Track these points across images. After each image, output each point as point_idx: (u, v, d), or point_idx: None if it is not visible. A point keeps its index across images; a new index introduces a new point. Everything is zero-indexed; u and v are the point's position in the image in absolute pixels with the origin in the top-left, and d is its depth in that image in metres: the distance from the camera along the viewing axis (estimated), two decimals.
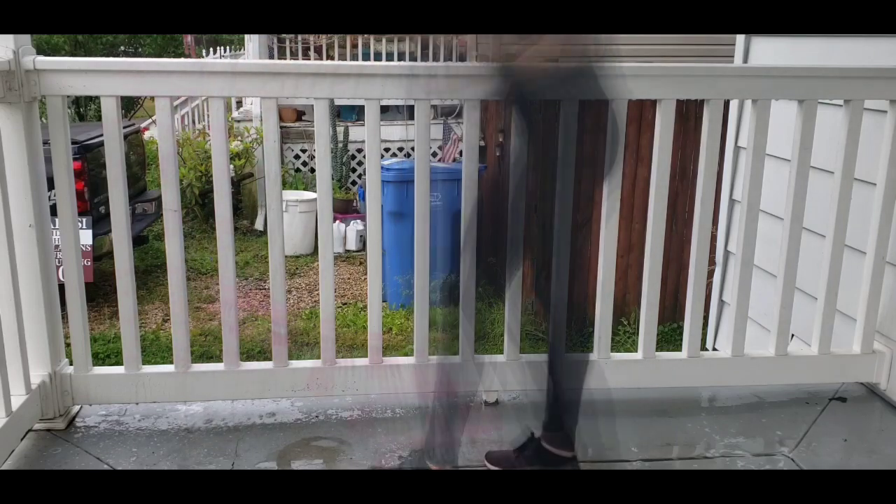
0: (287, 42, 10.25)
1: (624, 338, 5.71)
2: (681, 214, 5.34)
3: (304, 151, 9.45)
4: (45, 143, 2.13)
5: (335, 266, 2.36)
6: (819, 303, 2.48)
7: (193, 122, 10.80)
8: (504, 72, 2.04)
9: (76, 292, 2.20)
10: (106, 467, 2.10)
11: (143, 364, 2.31)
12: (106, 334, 5.70)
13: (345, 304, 6.71)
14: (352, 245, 8.19)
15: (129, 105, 13.50)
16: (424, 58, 10.37)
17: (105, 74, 2.12)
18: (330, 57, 10.21)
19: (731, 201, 3.39)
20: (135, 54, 19.67)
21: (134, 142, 7.17)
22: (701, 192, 2.36)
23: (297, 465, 2.15)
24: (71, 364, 2.28)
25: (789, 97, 2.34)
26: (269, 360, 2.35)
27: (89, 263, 5.68)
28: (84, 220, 5.71)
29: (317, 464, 2.16)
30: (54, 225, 2.18)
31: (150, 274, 7.14)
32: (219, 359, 2.35)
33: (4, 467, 2.04)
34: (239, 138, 9.11)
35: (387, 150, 9.22)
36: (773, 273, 2.50)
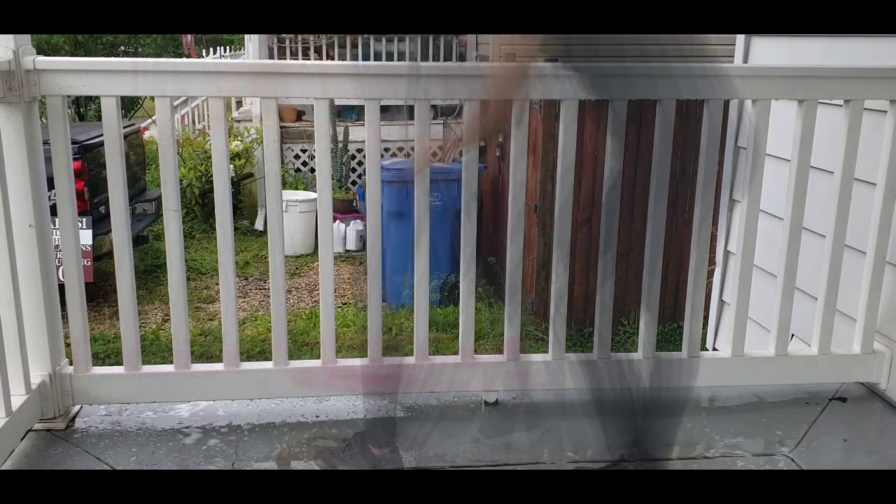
0: (287, 42, 10.26)
1: (624, 338, 5.70)
2: (681, 214, 5.34)
3: (304, 151, 9.45)
4: (45, 143, 2.13)
5: (335, 266, 2.36)
6: (819, 303, 2.48)
7: (193, 122, 10.81)
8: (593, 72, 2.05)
9: (76, 292, 2.20)
10: (106, 467, 2.10)
11: (143, 364, 2.31)
12: (106, 334, 5.71)
13: (345, 304, 6.71)
14: (352, 245, 8.19)
15: (129, 105, 13.50)
16: (424, 58, 10.37)
17: (105, 74, 2.12)
18: (330, 57, 10.22)
19: (731, 201, 3.39)
20: (135, 54, 19.65)
21: (134, 142, 7.17)
22: (701, 192, 2.36)
23: (297, 465, 2.15)
24: (71, 364, 2.28)
25: (789, 97, 2.34)
26: (269, 360, 2.35)
27: (89, 263, 5.69)
28: (84, 220, 5.71)
29: (317, 464, 2.16)
30: (54, 225, 2.18)
31: (150, 274, 7.14)
32: (219, 359, 2.35)
33: (4, 467, 2.04)
34: (239, 138, 9.11)
35: (387, 150, 9.22)
36: (773, 273, 2.50)
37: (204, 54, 17.01)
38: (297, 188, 8.95)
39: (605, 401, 2.14)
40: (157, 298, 6.60)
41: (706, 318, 3.29)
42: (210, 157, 2.53)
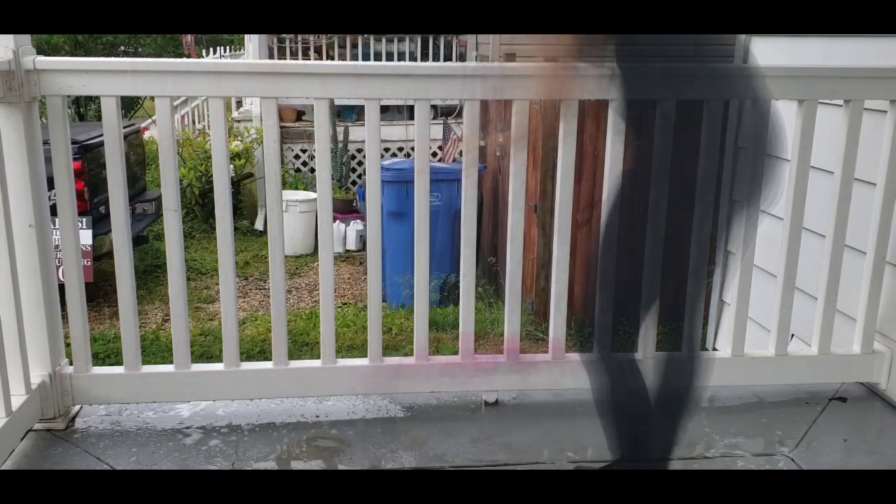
0: (287, 42, 10.27)
1: (624, 338, 5.70)
2: (681, 214, 5.33)
3: (304, 151, 9.46)
4: (45, 143, 2.13)
5: (335, 266, 2.36)
6: (819, 303, 2.48)
7: (193, 122, 10.80)
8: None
9: (76, 292, 2.20)
10: (106, 467, 2.10)
11: (143, 364, 2.31)
12: (106, 334, 5.70)
13: (345, 304, 6.71)
14: (352, 245, 8.19)
15: (129, 105, 13.50)
16: (424, 58, 10.38)
17: (105, 74, 2.12)
18: (330, 57, 10.23)
19: (731, 201, 3.38)
20: (135, 54, 19.67)
21: (134, 142, 7.17)
22: (700, 192, 2.35)
23: (297, 465, 2.15)
24: (71, 364, 2.28)
25: (789, 97, 2.34)
26: (269, 360, 2.35)
27: (89, 263, 5.68)
28: (84, 220, 5.71)
29: (317, 464, 2.16)
30: (54, 225, 2.18)
31: (150, 274, 7.14)
32: (219, 359, 2.35)
33: (4, 467, 2.04)
34: (239, 138, 9.11)
35: (387, 150, 9.22)
36: (773, 273, 2.50)
37: (204, 54, 17.00)
38: (297, 188, 8.94)
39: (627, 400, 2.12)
40: (157, 298, 6.59)
41: (706, 318, 3.28)
42: (210, 157, 2.53)
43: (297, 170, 9.46)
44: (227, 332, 2.30)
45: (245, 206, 8.99)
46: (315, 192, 2.79)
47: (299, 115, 9.60)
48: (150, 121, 9.73)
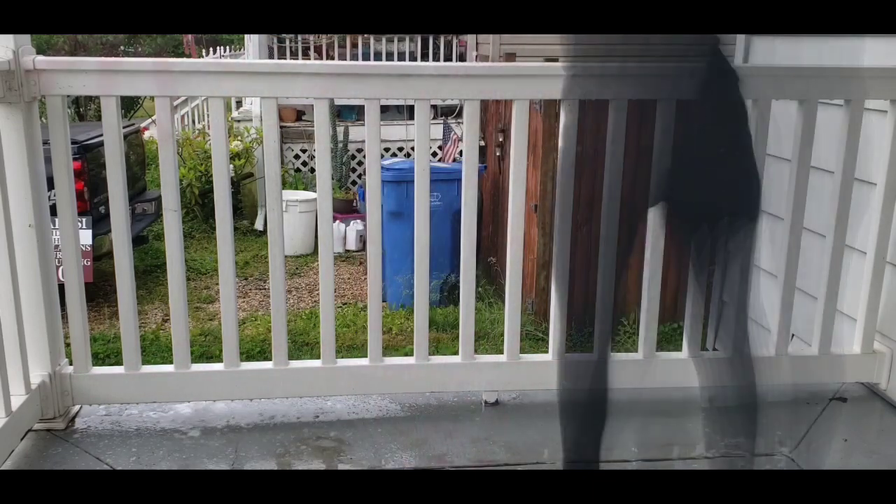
0: (287, 42, 10.27)
1: (624, 338, 5.69)
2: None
3: (304, 151, 9.45)
4: (45, 143, 2.13)
5: (335, 266, 2.36)
6: (819, 303, 2.48)
7: (193, 122, 10.80)
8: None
9: (76, 292, 2.20)
10: (105, 467, 2.10)
11: (143, 364, 2.31)
12: (106, 334, 5.70)
13: (345, 304, 6.71)
14: (352, 245, 8.19)
15: (129, 105, 13.49)
16: (424, 58, 10.38)
17: (105, 74, 2.12)
18: (330, 57, 10.22)
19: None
20: (135, 54, 19.66)
21: (134, 142, 7.17)
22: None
23: (297, 465, 2.15)
24: (71, 364, 2.28)
25: (789, 97, 2.34)
26: (269, 360, 2.35)
27: (89, 263, 5.68)
28: (84, 220, 5.71)
29: (317, 464, 2.16)
30: (54, 225, 2.18)
31: (150, 274, 7.14)
32: (219, 359, 2.35)
33: (4, 467, 2.03)
34: (239, 138, 9.11)
35: (387, 150, 9.22)
36: (773, 273, 2.50)
37: (204, 54, 17.00)
38: (297, 188, 8.94)
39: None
40: (157, 298, 6.59)
41: (706, 318, 3.28)
42: (210, 157, 2.54)
43: (297, 170, 9.46)
44: (226, 332, 2.30)
45: (245, 206, 8.98)
46: (315, 192, 2.79)
47: (299, 115, 9.59)
48: (150, 121, 9.72)
